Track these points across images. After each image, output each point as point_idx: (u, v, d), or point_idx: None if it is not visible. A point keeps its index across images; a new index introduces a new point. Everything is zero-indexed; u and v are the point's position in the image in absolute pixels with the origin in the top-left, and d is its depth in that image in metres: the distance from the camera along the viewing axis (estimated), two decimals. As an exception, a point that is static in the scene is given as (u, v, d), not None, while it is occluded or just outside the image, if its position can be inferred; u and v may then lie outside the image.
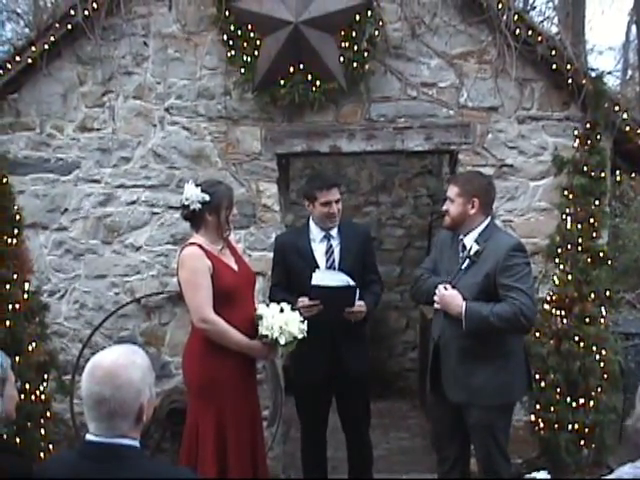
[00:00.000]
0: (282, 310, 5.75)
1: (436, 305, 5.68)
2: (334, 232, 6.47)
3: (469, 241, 5.65)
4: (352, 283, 6.10)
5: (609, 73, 13.04)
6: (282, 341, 5.65)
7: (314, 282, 6.07)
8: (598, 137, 7.30)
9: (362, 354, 6.53)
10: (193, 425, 5.77)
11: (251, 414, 5.91)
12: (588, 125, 7.31)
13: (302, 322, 5.75)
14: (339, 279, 6.13)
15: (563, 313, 7.14)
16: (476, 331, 5.45)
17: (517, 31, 7.30)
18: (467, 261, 5.61)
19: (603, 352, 7.08)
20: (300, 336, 5.71)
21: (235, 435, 5.69)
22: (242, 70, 7.45)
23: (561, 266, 7.26)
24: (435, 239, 6.37)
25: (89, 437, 3.19)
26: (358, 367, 6.42)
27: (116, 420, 3.14)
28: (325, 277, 6.14)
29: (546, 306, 7.22)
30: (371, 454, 6.81)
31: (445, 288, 5.59)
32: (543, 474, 3.68)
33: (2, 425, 3.68)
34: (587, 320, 7.07)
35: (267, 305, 5.86)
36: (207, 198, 5.69)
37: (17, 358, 6.41)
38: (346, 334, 6.31)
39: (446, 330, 5.69)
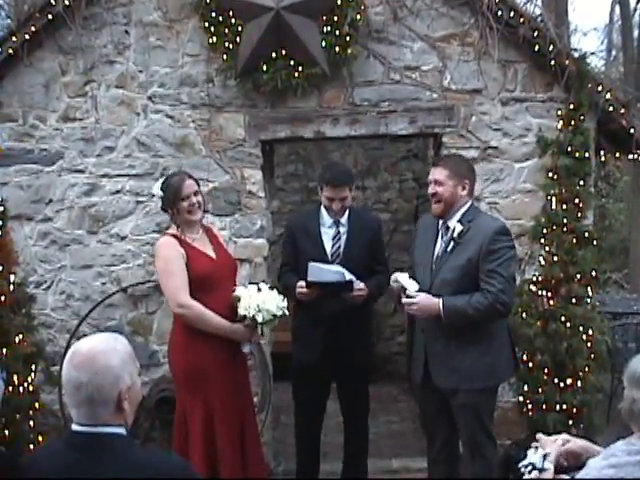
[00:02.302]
0: (260, 290, 5.80)
1: (411, 312, 5.69)
2: (344, 219, 6.51)
3: (452, 223, 5.66)
4: (348, 277, 6.13)
5: (593, 54, 13.04)
6: (259, 319, 5.69)
7: (310, 279, 6.11)
8: (582, 118, 7.31)
9: (364, 341, 6.59)
10: (181, 414, 5.80)
11: (240, 399, 5.93)
12: (572, 106, 7.31)
13: (282, 300, 5.81)
14: (335, 273, 6.15)
15: (549, 294, 7.16)
16: (456, 324, 5.51)
17: (499, 13, 7.29)
18: (451, 243, 5.62)
19: (590, 332, 7.10)
20: (279, 313, 5.78)
21: (223, 422, 5.72)
22: (224, 57, 7.43)
23: (547, 247, 7.28)
24: (416, 227, 6.37)
25: (74, 427, 3.20)
26: (358, 353, 6.47)
27: (95, 406, 3.14)
28: (321, 272, 6.16)
29: (532, 287, 7.23)
30: (367, 442, 6.84)
31: (408, 296, 5.61)
32: None
33: None
34: (573, 301, 7.09)
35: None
36: (161, 193, 5.94)
37: (4, 350, 6.42)
38: (347, 320, 6.32)
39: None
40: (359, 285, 6.21)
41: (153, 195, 6.78)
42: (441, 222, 5.78)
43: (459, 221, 5.64)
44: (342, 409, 6.74)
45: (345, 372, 6.53)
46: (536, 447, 3.65)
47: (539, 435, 3.76)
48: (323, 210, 6.54)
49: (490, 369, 5.63)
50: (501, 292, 5.41)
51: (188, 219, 5.89)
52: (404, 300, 5.63)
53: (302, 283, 6.18)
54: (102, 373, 3.14)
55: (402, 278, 5.72)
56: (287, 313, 5.86)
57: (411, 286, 5.63)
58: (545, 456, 3.55)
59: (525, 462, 3.60)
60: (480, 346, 5.59)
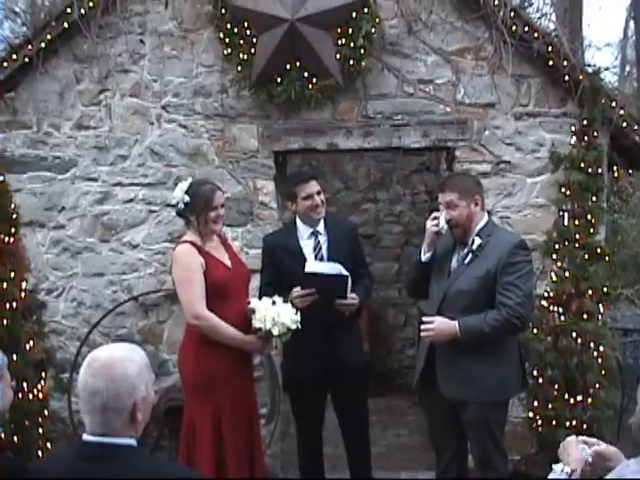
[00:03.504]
0: (274, 303, 5.78)
1: (427, 339, 5.68)
2: (321, 228, 6.43)
3: (470, 237, 5.63)
4: (345, 272, 6.09)
5: (607, 69, 13.06)
6: (275, 332, 5.68)
7: (307, 269, 6.04)
8: (595, 133, 7.29)
9: (356, 348, 6.51)
10: (190, 422, 5.79)
11: (248, 410, 5.94)
12: (585, 121, 7.29)
13: (295, 313, 5.78)
14: (332, 267, 6.12)
15: (561, 309, 7.12)
16: (473, 343, 5.48)
17: (514, 27, 7.30)
18: (470, 255, 5.61)
19: (601, 348, 7.07)
20: (293, 327, 5.75)
21: (232, 432, 5.71)
22: (239, 68, 7.45)
23: (558, 262, 7.25)
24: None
25: (85, 437, 3.19)
26: (352, 360, 6.38)
27: (109, 414, 3.13)
28: (319, 265, 6.14)
29: (543, 302, 7.20)
30: (369, 451, 6.77)
31: (425, 322, 5.59)
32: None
33: None
34: (585, 316, 7.05)
35: (260, 299, 5.88)
36: (187, 199, 5.83)
37: (15, 356, 6.40)
38: (339, 327, 6.28)
39: None
40: (351, 295, 6.16)
41: (167, 204, 6.81)
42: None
43: (477, 235, 5.61)
44: (339, 420, 6.63)
45: (340, 381, 6.44)
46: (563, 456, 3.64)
47: (567, 440, 3.73)
48: (299, 223, 6.44)
49: (501, 382, 5.59)
50: (518, 305, 5.36)
51: (212, 229, 5.88)
52: (422, 327, 5.61)
53: (297, 288, 6.08)
54: (119, 381, 3.14)
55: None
56: (300, 327, 5.83)
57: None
58: (571, 473, 3.53)
59: (550, 476, 3.59)
60: (491, 359, 5.55)
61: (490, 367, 5.54)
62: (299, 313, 5.82)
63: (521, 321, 5.44)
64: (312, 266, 6.10)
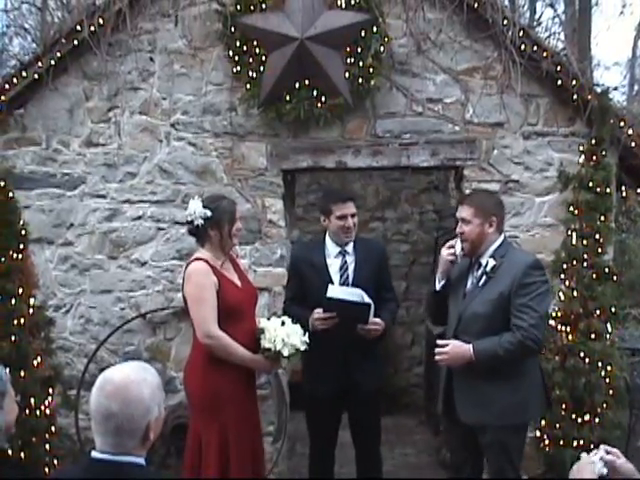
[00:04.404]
0: (283, 323, 5.78)
1: (442, 363, 5.67)
2: (349, 248, 6.45)
3: (485, 258, 5.62)
4: (367, 300, 6.07)
5: (615, 89, 13.04)
6: (285, 353, 5.68)
7: (329, 294, 6.04)
8: (604, 153, 7.29)
9: (375, 371, 6.49)
10: (196, 440, 5.76)
11: (253, 428, 5.92)
12: (594, 141, 7.30)
13: (304, 334, 5.78)
14: (355, 294, 6.10)
15: (568, 329, 7.12)
16: (488, 366, 5.45)
17: (522, 47, 7.31)
18: (484, 277, 5.59)
19: (609, 368, 7.05)
20: (302, 348, 5.75)
21: (238, 449, 5.68)
22: (248, 86, 7.47)
23: (566, 282, 7.25)
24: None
25: (95, 454, 3.19)
26: (369, 384, 6.39)
27: (123, 436, 3.13)
28: (341, 291, 6.13)
29: (551, 322, 7.17)
30: (381, 471, 6.77)
31: (440, 345, 5.59)
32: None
33: (4, 439, 3.65)
34: (592, 336, 7.04)
35: (268, 319, 5.88)
36: (209, 214, 5.72)
37: (22, 373, 6.42)
38: (358, 350, 6.28)
39: None
40: (375, 320, 6.17)
41: (176, 222, 6.83)
42: (474, 258, 5.75)
43: (492, 256, 5.58)
44: (353, 439, 6.66)
45: (356, 403, 6.48)
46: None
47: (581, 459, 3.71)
48: (328, 240, 6.48)
49: (521, 406, 5.54)
50: (532, 327, 5.32)
51: (231, 244, 5.87)
52: (436, 351, 5.60)
53: (319, 310, 6.12)
54: (134, 404, 3.14)
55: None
56: (308, 348, 5.82)
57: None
58: None
59: None
60: (511, 382, 5.50)
61: (510, 390, 5.50)
62: (307, 334, 5.83)
63: (535, 343, 5.38)
64: (334, 291, 6.10)
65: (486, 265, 5.56)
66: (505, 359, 5.40)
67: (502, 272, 5.49)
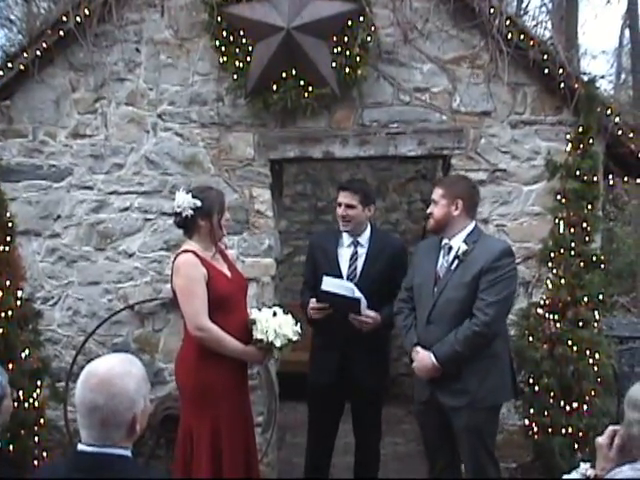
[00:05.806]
0: (275, 314, 5.78)
1: (419, 375, 5.82)
2: (363, 239, 6.52)
3: (456, 243, 5.68)
4: (358, 295, 6.13)
5: (602, 77, 13.09)
6: (278, 344, 5.67)
7: (322, 287, 6.13)
8: (590, 141, 7.28)
9: (377, 366, 6.55)
10: (187, 432, 5.73)
11: (245, 420, 5.91)
12: (580, 129, 7.29)
13: (295, 324, 5.79)
14: (346, 288, 6.16)
15: (556, 317, 7.12)
16: (456, 364, 5.59)
17: (509, 36, 7.30)
18: (456, 261, 5.63)
19: (597, 356, 7.06)
20: (295, 338, 5.75)
21: (230, 441, 5.67)
22: (234, 76, 7.45)
23: (554, 270, 7.25)
24: (414, 252, 6.35)
25: (81, 447, 3.18)
26: (369, 378, 6.45)
27: (108, 429, 3.13)
28: (333, 284, 6.17)
29: (539, 310, 7.19)
30: (377, 465, 6.85)
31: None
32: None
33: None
34: (580, 324, 7.05)
35: (259, 310, 5.88)
36: (198, 204, 5.67)
37: (10, 365, 6.41)
38: (361, 344, 6.33)
39: (430, 337, 5.71)
40: (369, 313, 6.21)
41: (163, 213, 6.82)
42: (444, 242, 5.80)
43: (464, 241, 5.66)
44: (354, 431, 6.74)
45: (357, 395, 6.55)
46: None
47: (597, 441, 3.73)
48: None
49: (494, 388, 5.66)
50: (487, 307, 5.46)
51: (220, 234, 5.84)
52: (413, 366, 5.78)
53: (313, 300, 6.26)
54: (119, 397, 3.13)
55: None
56: (300, 338, 5.82)
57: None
58: (588, 475, 3.55)
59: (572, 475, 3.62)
60: (484, 366, 5.60)
61: (484, 373, 5.60)
62: (299, 324, 5.85)
63: (486, 326, 5.47)
64: (327, 284, 6.16)
65: (458, 249, 5.64)
66: (466, 353, 5.51)
67: (474, 257, 5.59)
